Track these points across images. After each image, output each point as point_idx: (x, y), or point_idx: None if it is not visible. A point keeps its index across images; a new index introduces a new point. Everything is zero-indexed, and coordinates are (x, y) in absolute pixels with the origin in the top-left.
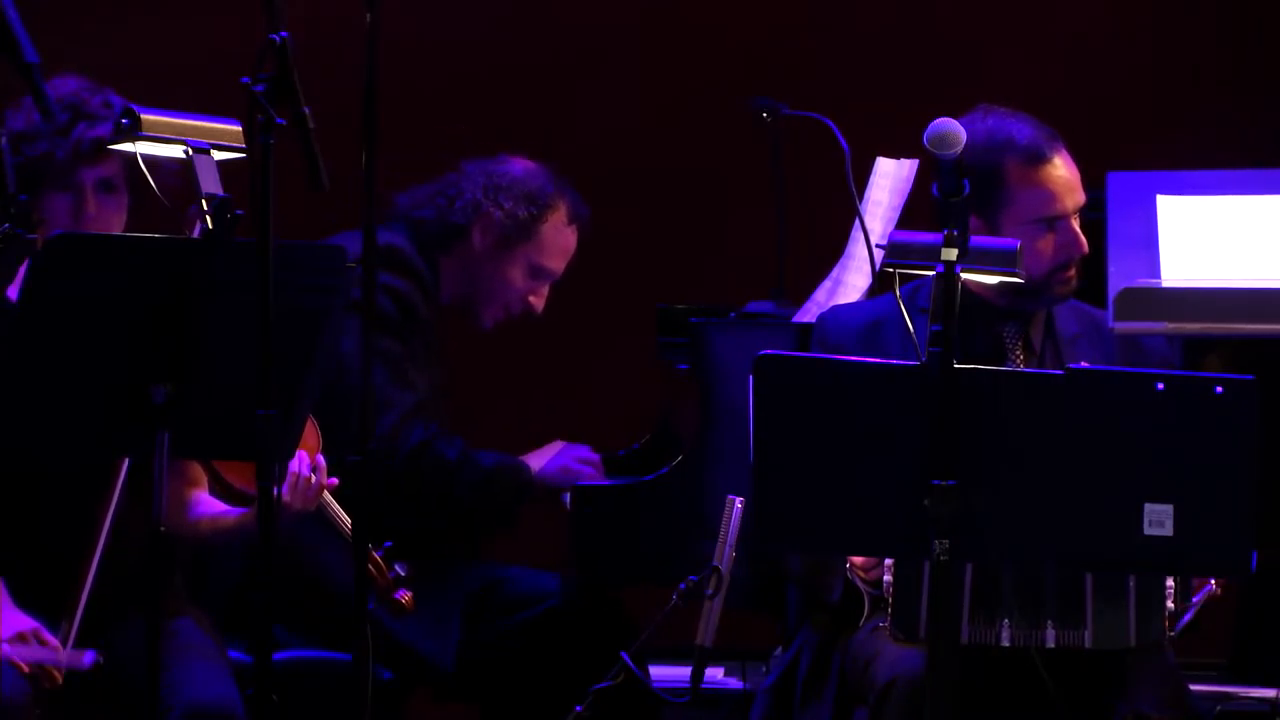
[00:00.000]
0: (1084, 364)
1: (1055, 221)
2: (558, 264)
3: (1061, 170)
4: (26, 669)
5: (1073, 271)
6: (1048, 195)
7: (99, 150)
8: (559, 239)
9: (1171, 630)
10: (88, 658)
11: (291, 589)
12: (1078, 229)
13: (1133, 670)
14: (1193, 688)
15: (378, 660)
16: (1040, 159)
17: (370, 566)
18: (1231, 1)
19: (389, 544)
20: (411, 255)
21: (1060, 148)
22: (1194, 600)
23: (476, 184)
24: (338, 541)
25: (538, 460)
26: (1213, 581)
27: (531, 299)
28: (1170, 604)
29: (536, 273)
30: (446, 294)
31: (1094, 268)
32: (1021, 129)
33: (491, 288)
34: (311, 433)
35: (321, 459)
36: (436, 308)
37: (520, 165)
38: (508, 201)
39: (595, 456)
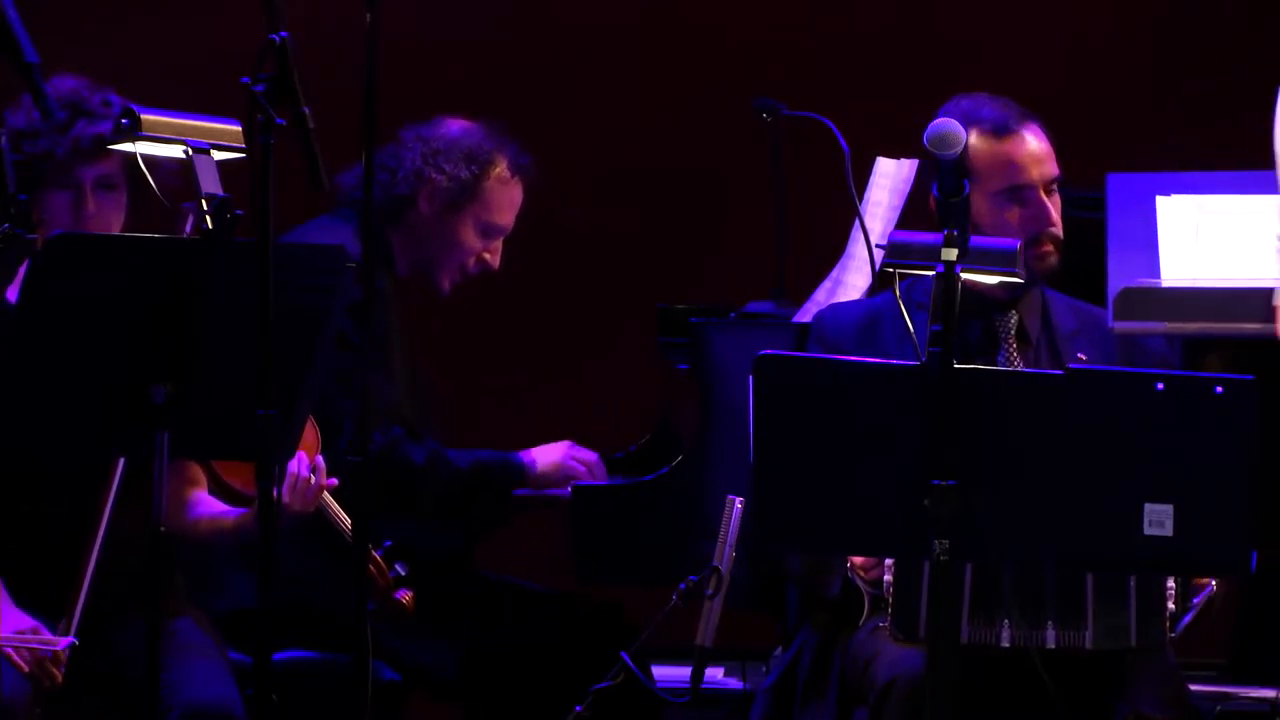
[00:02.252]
0: (1082, 356)
1: (1021, 193)
2: (507, 219)
3: (1027, 143)
4: (26, 668)
5: (1049, 247)
6: (1011, 165)
7: (99, 148)
8: (504, 194)
9: (1172, 631)
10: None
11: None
12: (1047, 202)
13: (1133, 671)
14: (1193, 688)
15: (378, 661)
16: (1004, 131)
17: (370, 566)
18: (1232, 1)
19: (389, 543)
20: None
21: (1031, 125)
22: (1194, 601)
23: (415, 152)
24: (336, 543)
25: (542, 455)
26: (1213, 583)
27: (487, 256)
28: (1171, 605)
29: (487, 230)
30: (402, 267)
31: (1094, 267)
32: (992, 106)
33: (445, 252)
34: (311, 434)
35: (321, 460)
36: (392, 306)
37: (457, 126)
38: (448, 164)
39: (592, 457)
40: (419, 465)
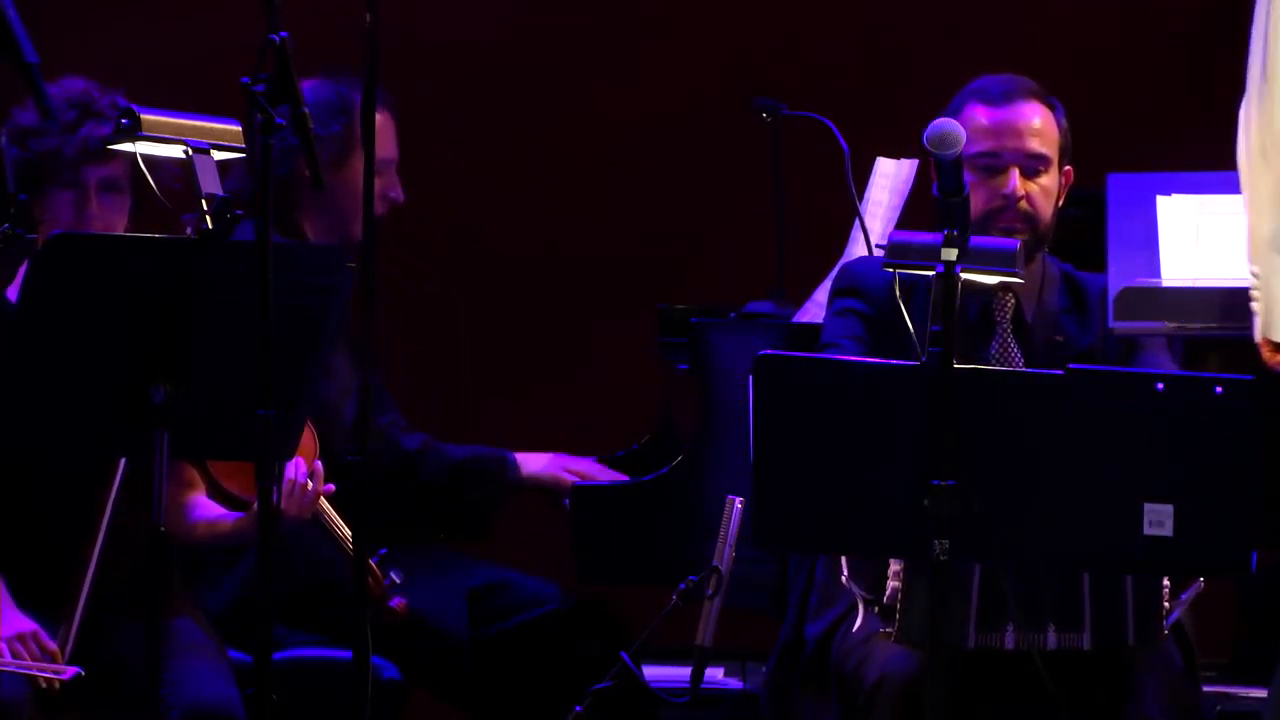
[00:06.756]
0: (1059, 338)
1: (992, 161)
2: (388, 150)
3: (1007, 114)
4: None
5: (1016, 224)
6: (983, 132)
7: (105, 150)
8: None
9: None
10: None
11: (296, 589)
12: (1014, 174)
13: (1137, 674)
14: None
15: (386, 653)
16: (989, 98)
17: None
18: (1232, 1)
19: (384, 550)
20: None
21: (1028, 102)
22: (1182, 598)
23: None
24: (334, 547)
25: (535, 462)
26: (1200, 580)
27: (390, 195)
28: (1165, 603)
29: (376, 169)
30: (319, 236)
31: (1093, 267)
32: (1003, 80)
33: (350, 204)
34: (309, 439)
35: (319, 465)
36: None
37: (306, 87)
38: (319, 128)
39: (584, 465)
40: (411, 452)
